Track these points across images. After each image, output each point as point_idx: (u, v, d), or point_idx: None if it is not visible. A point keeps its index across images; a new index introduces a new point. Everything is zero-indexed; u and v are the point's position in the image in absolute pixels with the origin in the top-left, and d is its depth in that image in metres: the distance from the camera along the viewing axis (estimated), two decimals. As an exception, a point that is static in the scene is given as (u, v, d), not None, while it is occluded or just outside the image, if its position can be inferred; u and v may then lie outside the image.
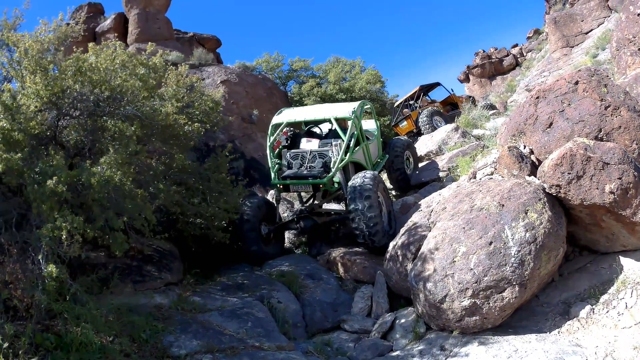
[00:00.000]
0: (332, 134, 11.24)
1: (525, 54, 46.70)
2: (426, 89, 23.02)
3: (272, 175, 10.24)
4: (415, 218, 8.29)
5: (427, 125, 19.24)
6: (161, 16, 24.99)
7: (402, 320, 6.95)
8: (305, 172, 10.01)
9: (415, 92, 22.18)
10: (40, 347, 4.94)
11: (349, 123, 10.56)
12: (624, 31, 10.36)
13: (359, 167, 10.70)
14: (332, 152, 10.13)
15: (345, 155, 10.02)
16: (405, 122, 21.02)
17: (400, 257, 7.55)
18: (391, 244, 8.16)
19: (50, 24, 7.14)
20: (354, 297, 8.19)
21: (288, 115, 11.22)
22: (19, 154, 5.13)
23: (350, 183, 9.42)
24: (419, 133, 19.48)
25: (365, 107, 11.82)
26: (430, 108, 20.57)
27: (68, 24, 7.77)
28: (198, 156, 13.73)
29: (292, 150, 10.63)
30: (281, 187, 10.25)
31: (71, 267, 6.22)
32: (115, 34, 23.43)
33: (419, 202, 10.06)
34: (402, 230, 8.14)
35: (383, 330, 6.94)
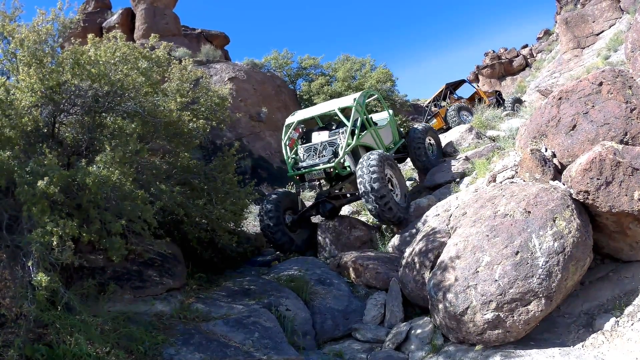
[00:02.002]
0: (341, 125, 11.95)
1: (535, 55, 46.52)
2: (452, 86, 23.98)
3: (289, 168, 11.13)
4: (433, 223, 7.96)
5: (456, 120, 19.80)
6: (169, 12, 24.83)
7: (418, 331, 6.61)
8: (317, 160, 10.90)
9: (442, 90, 23.22)
10: (31, 359, 4.64)
11: (353, 111, 11.30)
12: (640, 32, 10.08)
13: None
14: (340, 139, 11.03)
15: (352, 140, 10.78)
16: (434, 120, 21.58)
17: (418, 265, 7.20)
18: (407, 250, 7.83)
19: (48, 14, 6.77)
20: (366, 305, 7.84)
21: (299, 114, 12.30)
22: (9, 152, 4.76)
23: (358, 163, 10.04)
24: (449, 129, 19.79)
25: (372, 97, 13.10)
26: (457, 104, 21.24)
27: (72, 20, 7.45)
28: (204, 154, 13.50)
29: (305, 145, 11.53)
30: (298, 178, 11.06)
31: (67, 271, 5.92)
32: (122, 30, 23.24)
33: (435, 206, 9.78)
34: (419, 236, 7.78)
35: (398, 342, 6.60)
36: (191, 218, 7.94)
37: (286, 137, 11.58)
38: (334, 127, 12.18)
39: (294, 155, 11.47)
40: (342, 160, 10.56)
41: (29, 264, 4.71)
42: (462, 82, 24.30)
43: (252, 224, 12.60)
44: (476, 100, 23.21)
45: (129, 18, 24.76)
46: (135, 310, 6.21)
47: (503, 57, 48.68)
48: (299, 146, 11.65)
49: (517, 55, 48.11)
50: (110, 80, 6.44)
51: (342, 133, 11.11)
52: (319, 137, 11.64)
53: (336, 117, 12.22)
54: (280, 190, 11.71)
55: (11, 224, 5.24)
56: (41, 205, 4.69)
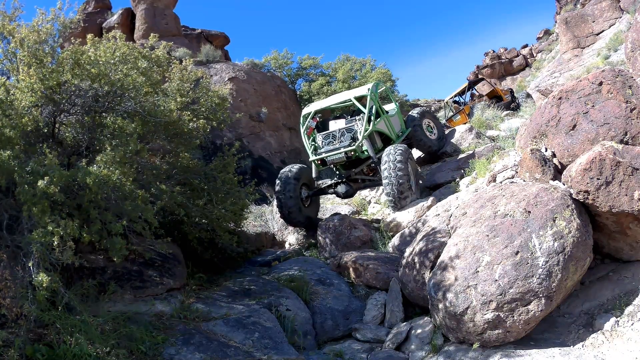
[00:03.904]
0: (356, 113, 12.85)
1: (535, 55, 46.58)
2: (473, 84, 25.16)
3: (310, 154, 11.89)
4: (433, 223, 7.94)
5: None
6: (169, 12, 24.82)
7: (418, 331, 6.60)
8: (337, 145, 11.62)
9: (465, 87, 24.17)
10: (31, 359, 4.63)
11: (368, 99, 12.02)
12: (640, 32, 10.05)
13: (384, 137, 12.53)
14: (357, 125, 11.89)
15: (369, 125, 11.61)
16: (459, 116, 22.26)
17: (418, 265, 7.18)
18: (407, 250, 7.81)
19: (48, 14, 6.76)
20: (366, 305, 7.83)
21: (315, 105, 13.21)
22: (9, 152, 4.75)
23: (384, 153, 10.88)
24: None
25: (381, 89, 13.69)
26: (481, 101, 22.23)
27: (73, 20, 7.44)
28: (204, 154, 13.52)
29: (323, 132, 12.31)
30: (319, 162, 11.82)
31: (67, 271, 5.91)
32: (122, 30, 23.25)
33: (435, 206, 9.78)
34: (419, 236, 7.75)
35: (398, 341, 6.59)
36: (191, 218, 7.94)
37: (305, 126, 12.36)
38: (349, 117, 12.83)
39: (313, 143, 12.22)
40: (361, 144, 11.33)
41: (30, 264, 4.70)
42: (481, 79, 26.44)
43: (252, 224, 12.62)
44: (493, 97, 24.03)
45: (129, 18, 24.76)
46: (136, 310, 6.20)
47: (503, 57, 48.74)
48: (316, 134, 12.38)
49: (517, 55, 48.15)
50: (110, 80, 6.43)
51: (359, 120, 11.96)
52: (336, 125, 12.44)
53: (351, 108, 13.01)
54: (299, 164, 12.40)
55: (11, 224, 5.24)
56: (41, 205, 4.68)
